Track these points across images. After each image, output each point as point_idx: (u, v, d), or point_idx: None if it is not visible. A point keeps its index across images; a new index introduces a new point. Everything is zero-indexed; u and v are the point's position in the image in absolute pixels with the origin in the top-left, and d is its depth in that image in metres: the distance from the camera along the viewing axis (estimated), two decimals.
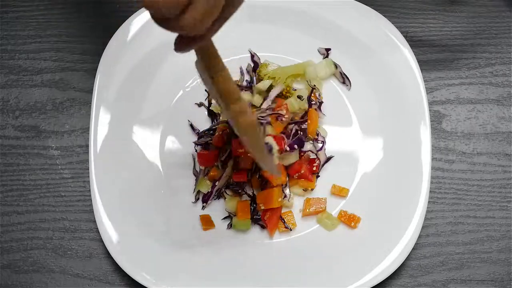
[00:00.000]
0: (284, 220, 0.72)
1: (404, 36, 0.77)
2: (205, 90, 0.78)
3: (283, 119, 0.72)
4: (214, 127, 0.76)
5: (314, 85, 0.76)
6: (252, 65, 0.79)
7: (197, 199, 0.74)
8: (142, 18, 0.78)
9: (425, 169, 0.72)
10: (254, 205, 0.72)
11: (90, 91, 0.78)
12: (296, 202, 0.73)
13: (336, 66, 0.78)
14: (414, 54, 0.77)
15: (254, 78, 0.78)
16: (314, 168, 0.74)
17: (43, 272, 0.72)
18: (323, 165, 0.75)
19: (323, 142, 0.75)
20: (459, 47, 0.81)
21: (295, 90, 0.76)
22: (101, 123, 0.74)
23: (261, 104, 0.75)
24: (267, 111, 0.72)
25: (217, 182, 0.73)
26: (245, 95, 0.75)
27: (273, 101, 0.75)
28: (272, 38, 0.79)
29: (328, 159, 0.75)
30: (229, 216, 0.73)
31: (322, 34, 0.79)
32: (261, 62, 0.78)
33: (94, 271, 0.72)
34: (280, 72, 0.76)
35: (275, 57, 0.79)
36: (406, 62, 0.76)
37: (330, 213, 0.72)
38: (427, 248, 0.72)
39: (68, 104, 0.79)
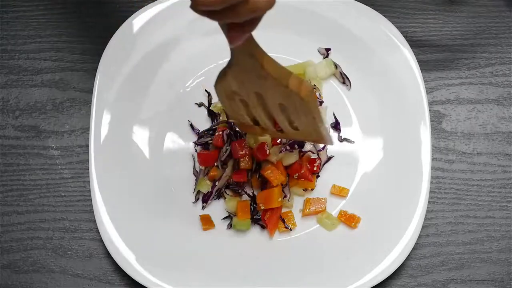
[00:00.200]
0: (284, 220, 0.72)
1: (404, 36, 0.77)
2: (205, 90, 0.78)
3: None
4: (214, 127, 0.76)
5: (314, 85, 0.76)
6: None
7: (197, 199, 0.74)
8: (142, 18, 0.78)
9: (425, 169, 0.72)
10: (254, 205, 0.72)
11: (90, 91, 0.78)
12: (296, 202, 0.73)
13: (336, 66, 0.78)
14: (414, 54, 0.77)
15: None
16: (315, 168, 0.74)
17: (43, 272, 0.72)
18: (323, 165, 0.75)
19: None
20: (459, 47, 0.81)
21: None
22: (101, 123, 0.74)
23: None
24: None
25: (217, 182, 0.73)
26: None
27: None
28: (272, 38, 0.79)
29: (329, 159, 0.75)
30: (229, 216, 0.73)
31: (322, 34, 0.79)
32: None
33: (94, 271, 0.72)
34: None
35: (275, 57, 0.77)
36: (406, 62, 0.76)
37: (330, 213, 0.72)
38: (427, 248, 0.72)
39: (68, 104, 0.79)
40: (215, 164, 0.74)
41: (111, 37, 0.77)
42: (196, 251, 0.71)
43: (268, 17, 0.79)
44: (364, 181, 0.74)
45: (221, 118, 0.76)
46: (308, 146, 0.74)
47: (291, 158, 0.72)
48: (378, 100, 0.76)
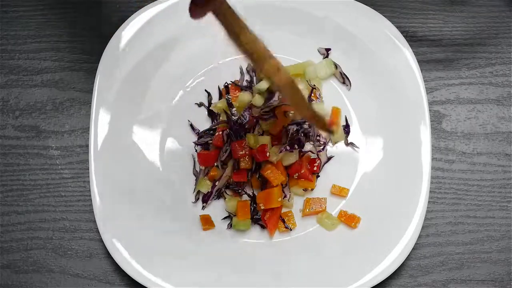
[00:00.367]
0: (284, 220, 0.72)
1: (404, 36, 0.77)
2: (205, 90, 0.78)
3: (290, 114, 0.73)
4: (214, 127, 0.76)
5: (314, 85, 0.76)
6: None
7: (197, 199, 0.74)
8: (142, 18, 0.78)
9: (425, 169, 0.72)
10: (254, 205, 0.72)
11: (90, 91, 0.78)
12: (296, 202, 0.73)
13: (336, 66, 0.78)
14: (414, 54, 0.77)
15: (254, 78, 0.78)
16: (315, 168, 0.74)
17: (43, 272, 0.72)
18: (323, 165, 0.75)
19: (325, 143, 0.75)
20: (459, 47, 0.81)
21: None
22: (101, 123, 0.74)
23: (264, 102, 0.75)
24: (275, 102, 0.73)
25: (217, 182, 0.73)
26: (245, 95, 0.75)
27: (279, 98, 0.75)
28: (272, 38, 0.79)
29: (329, 159, 0.75)
30: (229, 216, 0.73)
31: (322, 34, 0.79)
32: None
33: (94, 271, 0.72)
34: None
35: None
36: (406, 62, 0.76)
37: (330, 213, 0.72)
38: (427, 248, 0.72)
39: (68, 104, 0.79)
40: (215, 164, 0.74)
41: (111, 37, 0.77)
42: (196, 251, 0.71)
43: (268, 17, 0.79)
44: (364, 181, 0.74)
45: (221, 118, 0.76)
46: (308, 146, 0.74)
47: (291, 158, 0.72)
48: (378, 100, 0.76)
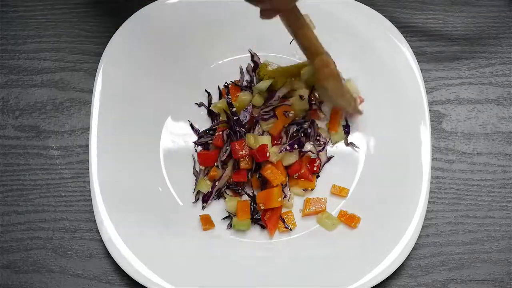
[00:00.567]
0: (284, 220, 0.72)
1: (404, 36, 0.77)
2: (205, 90, 0.78)
3: (290, 114, 0.73)
4: (214, 127, 0.76)
5: (314, 85, 0.76)
6: (252, 65, 0.79)
7: (197, 199, 0.74)
8: (142, 18, 0.78)
9: (425, 169, 0.72)
10: (254, 205, 0.72)
11: (90, 91, 0.78)
12: (296, 202, 0.73)
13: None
14: (414, 54, 0.77)
15: (254, 78, 0.78)
16: (315, 168, 0.74)
17: (43, 272, 0.72)
18: (323, 165, 0.75)
19: (325, 143, 0.75)
20: (459, 47, 0.81)
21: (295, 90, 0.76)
22: (101, 123, 0.74)
23: (264, 102, 0.75)
24: (274, 102, 0.73)
25: (217, 182, 0.73)
26: (245, 95, 0.75)
27: (279, 98, 0.75)
28: (272, 38, 0.79)
29: (329, 159, 0.75)
30: (229, 216, 0.73)
31: (322, 34, 0.79)
32: (261, 62, 0.78)
33: (94, 271, 0.72)
34: (280, 72, 0.76)
35: (275, 57, 0.79)
36: (406, 62, 0.76)
37: (330, 213, 0.72)
38: (427, 248, 0.72)
39: (68, 104, 0.79)
40: (215, 164, 0.74)
41: (111, 37, 0.77)
42: (196, 251, 0.71)
43: None
44: (364, 181, 0.74)
45: (221, 118, 0.76)
46: (308, 146, 0.74)
47: (291, 158, 0.72)
48: (378, 100, 0.76)
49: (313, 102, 0.75)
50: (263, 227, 0.72)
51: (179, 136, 0.76)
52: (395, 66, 0.76)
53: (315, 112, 0.76)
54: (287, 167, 0.72)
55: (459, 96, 0.79)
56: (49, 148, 0.77)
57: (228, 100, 0.75)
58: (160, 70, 0.77)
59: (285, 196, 0.72)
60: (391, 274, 0.68)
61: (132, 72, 0.76)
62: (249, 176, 0.73)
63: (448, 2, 0.83)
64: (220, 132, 0.74)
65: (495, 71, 0.80)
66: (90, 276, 0.72)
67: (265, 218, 0.71)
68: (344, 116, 0.76)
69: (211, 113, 0.77)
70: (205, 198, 0.73)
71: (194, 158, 0.75)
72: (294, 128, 0.74)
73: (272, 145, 0.72)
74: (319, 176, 0.74)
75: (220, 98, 0.78)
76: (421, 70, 0.76)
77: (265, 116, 0.73)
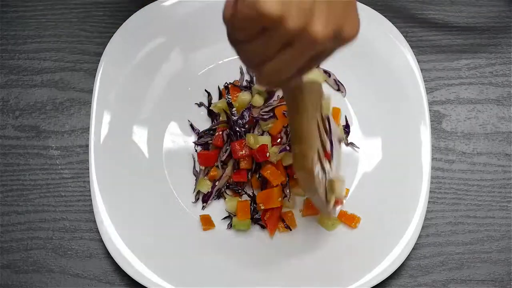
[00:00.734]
0: (284, 220, 0.72)
1: (404, 36, 0.77)
2: (205, 90, 0.78)
3: None
4: (214, 127, 0.76)
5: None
6: None
7: (197, 199, 0.74)
8: (142, 18, 0.78)
9: (425, 169, 0.71)
10: (254, 205, 0.72)
11: (90, 91, 0.78)
12: (296, 202, 0.73)
13: (329, 74, 0.77)
14: (414, 54, 0.77)
15: (254, 78, 0.78)
16: None
17: (43, 272, 0.72)
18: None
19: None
20: (459, 47, 0.81)
21: None
22: (101, 123, 0.74)
23: (264, 102, 0.75)
24: (274, 102, 0.73)
25: (217, 182, 0.73)
26: (245, 95, 0.75)
27: (278, 98, 0.75)
28: None
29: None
30: (229, 216, 0.73)
31: None
32: None
33: (94, 271, 0.72)
34: None
35: None
36: (406, 62, 0.76)
37: None
38: (427, 248, 0.72)
39: (68, 104, 0.79)
40: (215, 164, 0.74)
41: (111, 37, 0.77)
42: (196, 251, 0.71)
43: None
44: (364, 181, 0.74)
45: (221, 118, 0.76)
46: None
47: (291, 158, 0.72)
48: (378, 100, 0.76)
49: None
50: (263, 227, 0.72)
51: (179, 136, 0.76)
52: (395, 66, 0.76)
53: None
54: (287, 167, 0.72)
55: (459, 96, 0.79)
56: (49, 148, 0.77)
57: (228, 100, 0.75)
58: (160, 70, 0.77)
59: (285, 196, 0.72)
60: (391, 274, 0.68)
61: (132, 72, 0.76)
62: (249, 176, 0.73)
63: (448, 2, 0.83)
64: (220, 132, 0.74)
65: (495, 71, 0.80)
66: (90, 276, 0.72)
67: (265, 218, 0.71)
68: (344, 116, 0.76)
69: (211, 113, 0.77)
70: (205, 198, 0.73)
71: (194, 158, 0.75)
72: None
73: (272, 145, 0.72)
74: None
75: (220, 98, 0.78)
76: (421, 70, 0.76)
77: (265, 116, 0.73)
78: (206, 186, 0.73)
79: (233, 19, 0.41)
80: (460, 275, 0.71)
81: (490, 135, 0.77)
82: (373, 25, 0.78)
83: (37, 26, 0.82)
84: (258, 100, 0.75)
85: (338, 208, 0.71)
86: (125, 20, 0.78)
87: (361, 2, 0.79)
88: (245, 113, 0.74)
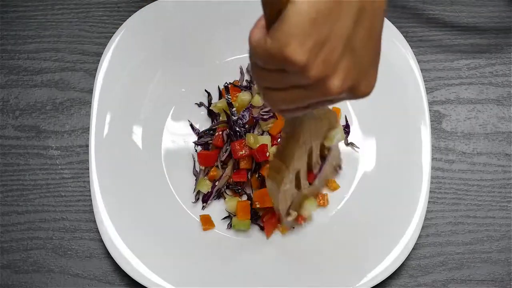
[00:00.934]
0: None
1: (404, 36, 0.77)
2: (205, 90, 0.78)
3: None
4: (214, 127, 0.76)
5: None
6: None
7: (197, 199, 0.74)
8: (142, 18, 0.78)
9: (425, 169, 0.71)
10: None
11: (90, 91, 0.78)
12: None
13: None
14: (414, 54, 0.76)
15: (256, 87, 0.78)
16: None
17: (43, 272, 0.72)
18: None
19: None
20: (459, 47, 0.81)
21: None
22: (101, 123, 0.74)
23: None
24: None
25: (217, 182, 0.73)
26: (245, 95, 0.75)
27: None
28: None
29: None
30: (229, 216, 0.73)
31: None
32: None
33: (94, 271, 0.72)
34: None
35: None
36: (406, 62, 0.76)
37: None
38: (427, 248, 0.72)
39: (68, 104, 0.79)
40: (215, 164, 0.74)
41: (111, 37, 0.77)
42: (196, 251, 0.71)
43: None
44: (364, 181, 0.73)
45: (221, 118, 0.76)
46: None
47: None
48: (378, 100, 0.75)
49: None
50: (262, 227, 0.72)
51: (179, 136, 0.76)
52: (395, 66, 0.76)
53: None
54: None
55: (459, 96, 0.79)
56: (49, 148, 0.77)
57: (228, 100, 0.75)
58: (160, 70, 0.77)
59: None
60: (391, 274, 0.68)
61: (132, 72, 0.76)
62: (249, 176, 0.73)
63: (448, 2, 0.83)
64: (220, 132, 0.74)
65: (495, 71, 0.80)
66: (90, 276, 0.72)
67: (264, 219, 0.71)
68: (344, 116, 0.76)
69: (211, 113, 0.77)
70: (205, 198, 0.73)
71: (194, 158, 0.75)
72: None
73: (272, 145, 0.72)
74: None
75: (220, 98, 0.78)
76: (421, 70, 0.76)
77: (265, 116, 0.73)
78: (206, 186, 0.73)
79: (258, 48, 0.40)
80: (460, 275, 0.71)
81: (490, 135, 0.77)
82: None
83: (37, 26, 0.82)
84: (258, 100, 0.75)
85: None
86: (125, 20, 0.78)
87: None
88: (245, 113, 0.74)
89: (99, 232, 0.70)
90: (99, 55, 0.77)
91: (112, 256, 0.69)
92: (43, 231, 0.73)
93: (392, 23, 0.78)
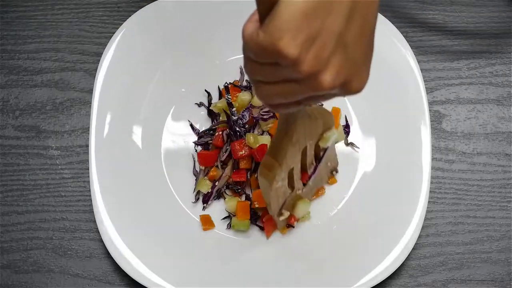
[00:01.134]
0: None
1: (404, 36, 0.77)
2: (205, 90, 0.78)
3: None
4: (214, 127, 0.76)
5: None
6: None
7: (197, 199, 0.74)
8: (142, 18, 0.78)
9: (425, 169, 0.71)
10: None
11: (90, 91, 0.78)
12: None
13: None
14: (414, 54, 0.76)
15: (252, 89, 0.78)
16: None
17: (43, 272, 0.72)
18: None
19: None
20: (459, 47, 0.81)
21: None
22: (101, 123, 0.74)
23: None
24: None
25: (217, 182, 0.73)
26: (245, 95, 0.75)
27: None
28: None
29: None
30: (229, 216, 0.73)
31: None
32: None
33: (94, 271, 0.72)
34: None
35: None
36: (406, 62, 0.76)
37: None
38: (427, 248, 0.72)
39: (68, 104, 0.79)
40: (215, 164, 0.74)
41: (111, 37, 0.77)
42: (196, 251, 0.71)
43: None
44: (364, 181, 0.73)
45: (221, 118, 0.76)
46: None
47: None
48: (378, 100, 0.76)
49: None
50: (261, 228, 0.72)
51: (179, 136, 0.76)
52: (395, 66, 0.76)
53: None
54: None
55: (459, 96, 0.79)
56: (49, 148, 0.77)
57: (228, 100, 0.75)
58: (160, 70, 0.77)
59: None
60: (391, 274, 0.68)
61: (132, 72, 0.76)
62: (248, 176, 0.73)
63: (448, 2, 0.83)
64: (220, 132, 0.74)
65: (495, 71, 0.80)
66: (90, 276, 0.72)
67: (263, 220, 0.71)
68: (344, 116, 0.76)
69: (211, 113, 0.77)
70: (205, 199, 0.73)
71: (194, 158, 0.75)
72: None
73: None
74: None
75: (220, 98, 0.78)
76: (421, 70, 0.76)
77: (265, 116, 0.73)
78: (206, 186, 0.73)
79: (250, 41, 0.40)
80: (460, 275, 0.71)
81: (490, 135, 0.77)
82: None
83: (37, 26, 0.82)
84: (258, 100, 0.74)
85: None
86: (125, 20, 0.78)
87: None
88: (245, 113, 0.74)
89: (99, 232, 0.70)
90: (99, 55, 0.77)
91: (112, 256, 0.69)
92: (43, 231, 0.73)
93: (392, 23, 0.78)
